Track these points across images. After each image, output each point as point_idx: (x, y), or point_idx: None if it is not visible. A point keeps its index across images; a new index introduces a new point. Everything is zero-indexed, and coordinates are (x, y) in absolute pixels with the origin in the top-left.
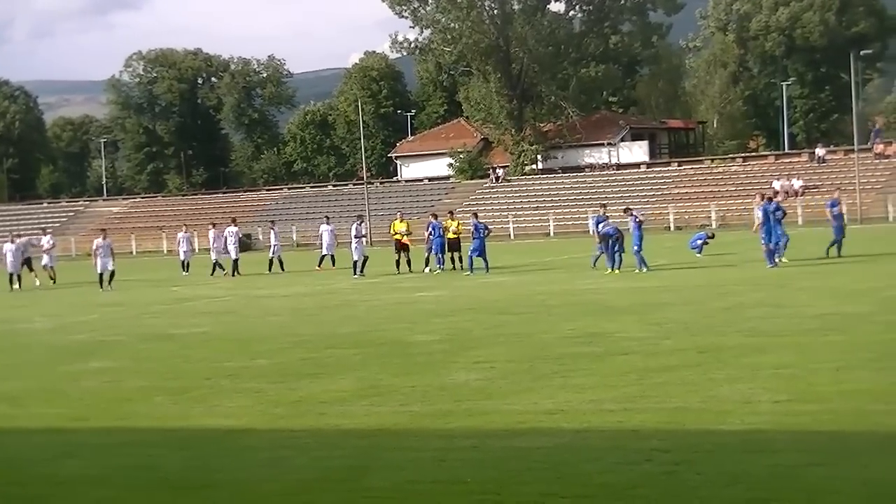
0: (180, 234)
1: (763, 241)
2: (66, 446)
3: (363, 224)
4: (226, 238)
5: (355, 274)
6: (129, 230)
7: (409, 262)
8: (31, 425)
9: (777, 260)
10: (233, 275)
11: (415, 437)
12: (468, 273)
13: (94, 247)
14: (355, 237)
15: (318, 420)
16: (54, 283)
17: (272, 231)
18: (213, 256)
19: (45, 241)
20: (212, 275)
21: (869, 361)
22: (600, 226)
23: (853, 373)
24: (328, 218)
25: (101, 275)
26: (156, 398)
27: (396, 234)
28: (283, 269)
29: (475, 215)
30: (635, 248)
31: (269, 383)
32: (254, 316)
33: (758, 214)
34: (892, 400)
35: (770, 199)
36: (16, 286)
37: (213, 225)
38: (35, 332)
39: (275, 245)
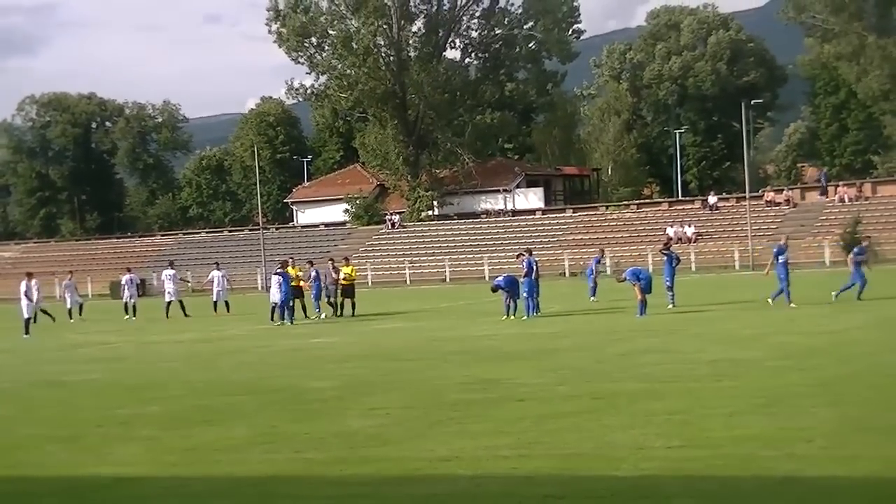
0: (66, 282)
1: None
2: None
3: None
4: (124, 285)
5: (272, 319)
6: (22, 276)
7: (304, 308)
8: None
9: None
10: (134, 316)
11: (308, 485)
12: (525, 317)
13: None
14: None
15: (211, 468)
16: None
17: (217, 274)
18: (131, 300)
19: None
20: (127, 315)
21: (760, 407)
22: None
23: (744, 418)
24: (218, 264)
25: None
26: (46, 447)
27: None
28: (185, 314)
29: (530, 252)
30: (667, 282)
31: (161, 431)
32: (147, 362)
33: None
34: (783, 445)
35: (667, 246)
36: None
37: (129, 270)
38: None
39: (219, 290)
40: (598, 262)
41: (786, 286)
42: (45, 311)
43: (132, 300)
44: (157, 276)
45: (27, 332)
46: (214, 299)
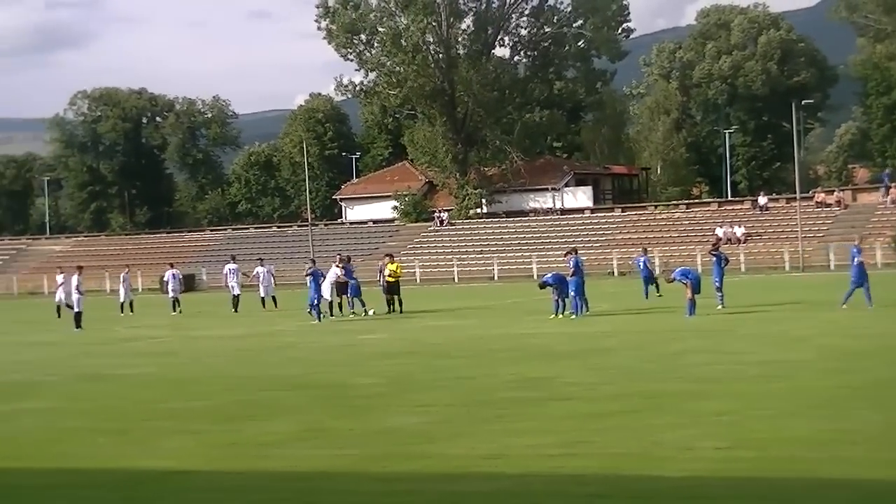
0: (123, 275)
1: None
2: None
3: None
4: (167, 280)
5: (332, 314)
6: (72, 269)
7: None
8: None
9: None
10: (175, 310)
11: (353, 481)
12: (573, 316)
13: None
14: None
15: (256, 462)
16: None
17: (262, 268)
18: (171, 295)
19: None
20: (173, 311)
21: (808, 409)
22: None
23: (792, 420)
24: (262, 260)
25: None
26: (94, 439)
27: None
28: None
29: (575, 251)
30: (716, 283)
31: (208, 425)
32: (194, 357)
33: None
34: (829, 448)
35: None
36: None
37: (171, 265)
38: None
39: (266, 286)
40: (645, 260)
41: (853, 288)
42: (59, 308)
43: (174, 294)
44: (205, 271)
45: (78, 326)
46: (262, 295)
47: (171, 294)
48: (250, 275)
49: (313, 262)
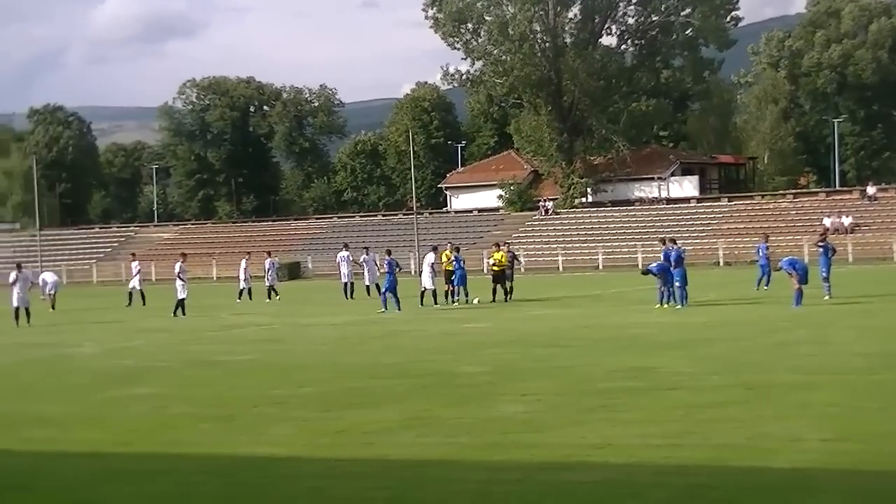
0: (243, 262)
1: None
2: (106, 472)
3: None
4: (268, 268)
5: (436, 303)
6: (179, 256)
7: (446, 294)
8: (74, 449)
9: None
10: (268, 298)
11: (460, 469)
12: (678, 306)
13: (176, 270)
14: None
15: (362, 450)
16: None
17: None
18: (267, 283)
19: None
20: (268, 299)
21: None
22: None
23: None
24: (368, 248)
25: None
26: (201, 425)
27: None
28: (349, 297)
29: (673, 240)
30: (823, 274)
31: (314, 412)
32: (300, 344)
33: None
34: None
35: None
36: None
37: (269, 254)
38: (82, 356)
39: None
40: (766, 248)
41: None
42: (131, 294)
43: (270, 282)
44: (311, 259)
45: (179, 313)
46: (366, 283)
47: (267, 282)
48: (358, 261)
49: (389, 252)
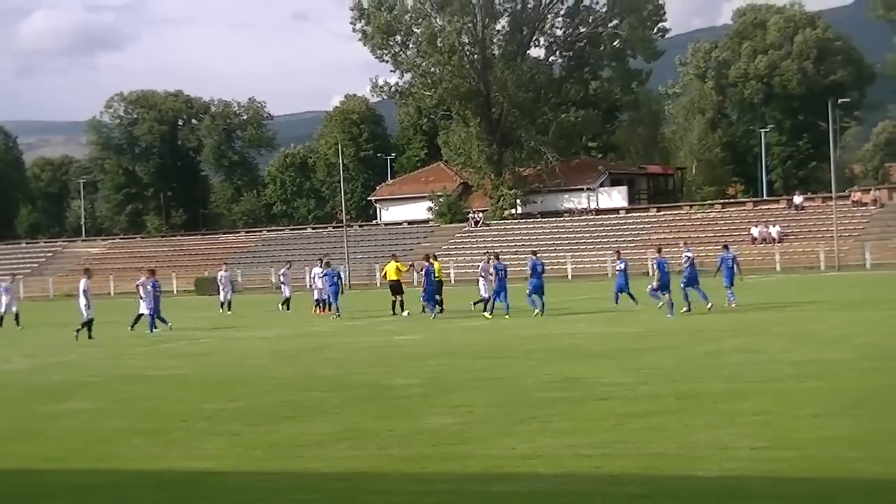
0: (220, 273)
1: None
2: (41, 487)
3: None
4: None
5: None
6: (108, 271)
7: (401, 304)
8: (7, 466)
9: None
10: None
11: (392, 481)
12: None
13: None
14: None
15: (295, 463)
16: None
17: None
18: (224, 296)
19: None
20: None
21: (846, 408)
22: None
23: (831, 419)
24: (321, 261)
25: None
26: (133, 440)
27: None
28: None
29: (496, 256)
30: (725, 283)
31: (246, 426)
32: (232, 358)
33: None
34: (870, 447)
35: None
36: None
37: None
38: (12, 371)
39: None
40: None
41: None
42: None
43: (227, 295)
44: (241, 272)
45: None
46: (286, 295)
47: (224, 294)
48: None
49: (320, 260)
